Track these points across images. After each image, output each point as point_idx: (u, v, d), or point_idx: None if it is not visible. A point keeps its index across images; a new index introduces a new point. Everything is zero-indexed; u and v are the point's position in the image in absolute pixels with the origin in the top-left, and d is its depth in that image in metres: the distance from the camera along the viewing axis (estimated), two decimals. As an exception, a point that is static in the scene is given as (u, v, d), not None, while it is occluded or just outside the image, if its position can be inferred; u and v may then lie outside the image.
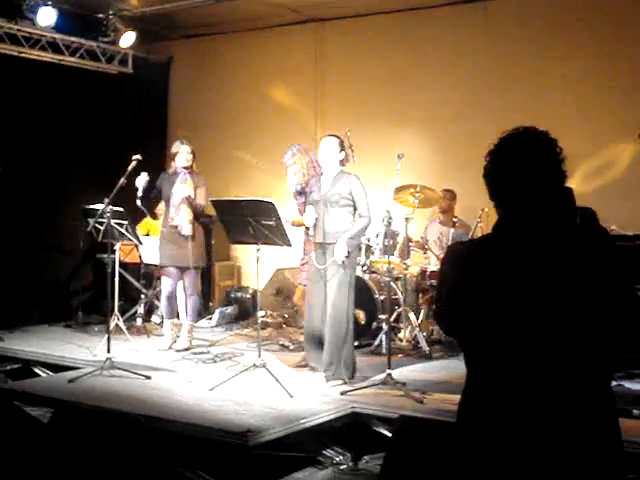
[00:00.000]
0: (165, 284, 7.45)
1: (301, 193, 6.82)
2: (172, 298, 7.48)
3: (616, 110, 7.81)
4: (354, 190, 6.03)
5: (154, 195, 7.29)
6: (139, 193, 7.05)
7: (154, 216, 7.64)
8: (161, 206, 7.59)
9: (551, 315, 2.09)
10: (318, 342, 6.21)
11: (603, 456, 2.09)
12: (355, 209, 6.08)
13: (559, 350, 2.08)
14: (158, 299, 8.31)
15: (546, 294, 2.09)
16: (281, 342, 7.65)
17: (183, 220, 7.23)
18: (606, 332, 2.11)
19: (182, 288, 7.53)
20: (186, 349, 7.39)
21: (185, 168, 7.31)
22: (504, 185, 2.23)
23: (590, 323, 2.09)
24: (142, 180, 7.04)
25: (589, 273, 2.11)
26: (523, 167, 2.20)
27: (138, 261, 8.54)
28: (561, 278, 2.10)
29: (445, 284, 2.30)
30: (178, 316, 7.62)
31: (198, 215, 7.36)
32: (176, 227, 7.23)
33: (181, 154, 7.32)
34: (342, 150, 6.18)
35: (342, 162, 6.21)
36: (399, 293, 7.60)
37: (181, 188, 7.20)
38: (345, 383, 5.92)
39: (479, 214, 7.37)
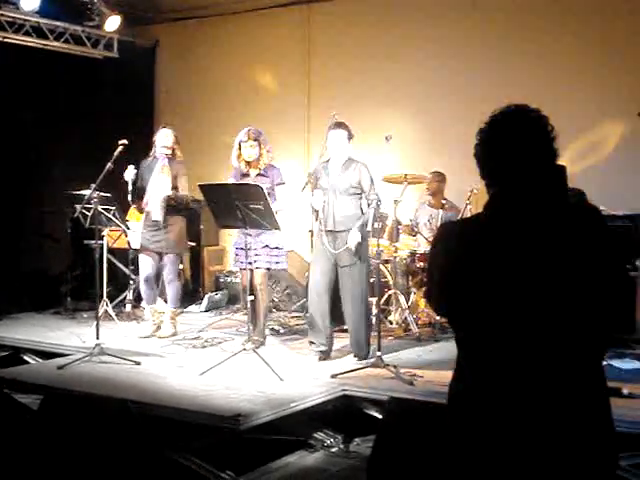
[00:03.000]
0: (142, 268, 7.39)
1: (245, 175, 6.75)
2: (149, 282, 7.39)
3: (605, 90, 7.79)
4: (363, 179, 6.17)
5: (139, 184, 7.24)
6: (129, 187, 7.02)
7: (141, 210, 7.56)
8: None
9: (544, 294, 2.07)
10: (323, 322, 6.27)
11: (595, 436, 2.09)
12: (362, 196, 6.22)
13: (552, 330, 2.07)
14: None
15: (539, 273, 2.08)
16: (271, 326, 7.64)
17: (155, 205, 7.20)
18: (598, 312, 2.10)
19: (163, 274, 7.48)
20: (171, 335, 7.36)
21: (165, 152, 7.27)
22: (495, 164, 2.21)
23: (583, 303, 2.08)
24: (130, 174, 7.01)
25: (582, 252, 2.09)
26: (514, 145, 2.17)
27: (126, 247, 8.49)
28: (554, 257, 2.09)
29: (436, 263, 2.28)
30: (166, 300, 7.59)
31: (184, 206, 7.33)
32: (149, 212, 7.23)
33: (159, 138, 7.29)
34: (351, 139, 6.29)
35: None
36: (388, 276, 7.61)
37: (161, 180, 7.16)
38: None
39: (468, 195, 7.36)
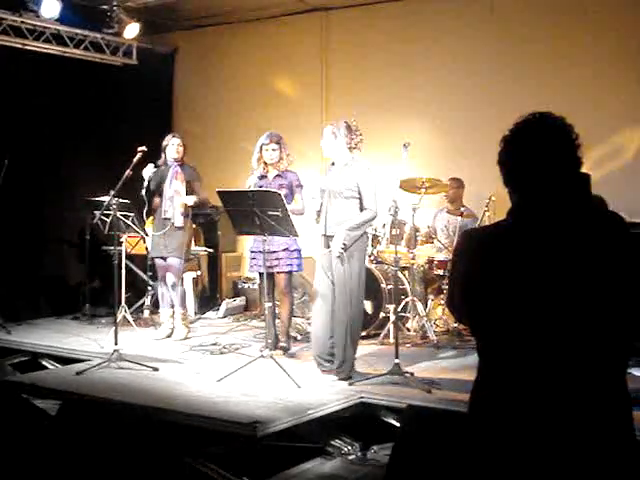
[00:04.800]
0: (161, 275, 7.55)
1: (263, 177, 6.80)
2: (166, 286, 7.55)
3: (625, 97, 7.74)
4: (361, 182, 5.80)
5: (151, 188, 7.34)
6: (145, 183, 7.17)
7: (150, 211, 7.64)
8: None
9: (565, 302, 2.06)
10: (322, 334, 5.98)
11: (617, 445, 2.07)
12: (361, 201, 5.84)
13: (574, 338, 2.06)
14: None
15: (561, 281, 2.07)
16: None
17: (175, 212, 7.34)
18: (621, 320, 2.08)
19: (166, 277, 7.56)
20: (185, 338, 7.49)
21: (175, 160, 7.38)
22: (519, 171, 2.20)
23: (605, 311, 2.06)
24: (149, 171, 7.18)
25: (604, 260, 2.08)
26: (539, 153, 2.16)
27: (145, 253, 8.53)
28: (576, 265, 2.07)
29: (459, 270, 2.27)
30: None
31: (203, 207, 7.48)
32: (168, 219, 7.34)
33: (171, 146, 7.43)
34: (340, 136, 5.93)
35: (350, 148, 5.99)
36: (406, 283, 7.58)
37: (177, 186, 7.34)
38: (349, 379, 5.79)
39: (486, 202, 7.33)
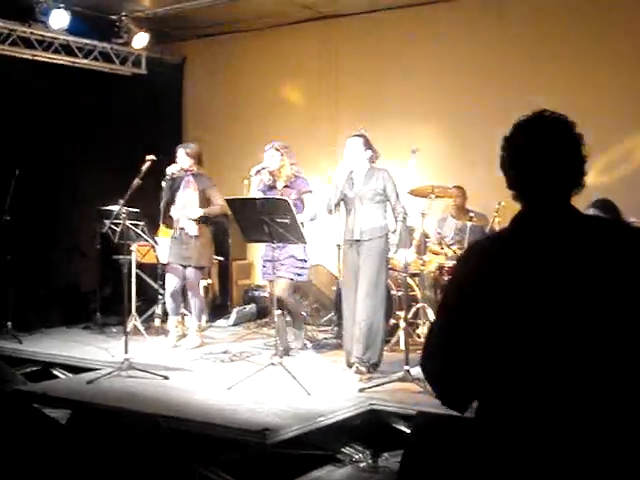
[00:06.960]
0: (169, 281, 7.54)
1: (272, 187, 6.87)
2: (175, 295, 7.55)
3: (634, 100, 7.71)
4: (387, 185, 6.23)
5: (166, 200, 7.38)
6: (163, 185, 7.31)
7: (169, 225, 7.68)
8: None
9: (576, 322, 1.96)
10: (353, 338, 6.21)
11: (624, 449, 1.99)
12: (389, 202, 6.26)
13: (582, 359, 1.96)
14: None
15: (571, 297, 1.97)
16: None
17: (188, 221, 7.34)
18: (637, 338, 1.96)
19: (187, 287, 7.59)
20: (198, 346, 7.49)
21: (184, 170, 7.39)
22: (523, 171, 2.10)
23: (620, 328, 1.94)
24: (170, 170, 7.35)
25: (617, 273, 1.96)
26: (542, 150, 2.07)
27: (155, 262, 8.54)
28: (585, 279, 1.97)
29: (449, 301, 2.20)
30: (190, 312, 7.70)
31: (221, 215, 7.49)
32: (182, 228, 7.33)
33: (178, 157, 7.43)
34: (368, 149, 6.30)
35: (371, 159, 6.34)
36: (416, 289, 7.56)
37: (188, 195, 7.37)
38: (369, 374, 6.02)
39: (496, 208, 7.31)
